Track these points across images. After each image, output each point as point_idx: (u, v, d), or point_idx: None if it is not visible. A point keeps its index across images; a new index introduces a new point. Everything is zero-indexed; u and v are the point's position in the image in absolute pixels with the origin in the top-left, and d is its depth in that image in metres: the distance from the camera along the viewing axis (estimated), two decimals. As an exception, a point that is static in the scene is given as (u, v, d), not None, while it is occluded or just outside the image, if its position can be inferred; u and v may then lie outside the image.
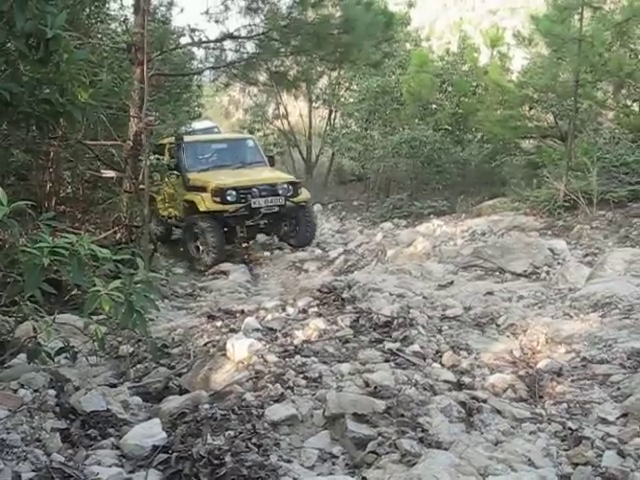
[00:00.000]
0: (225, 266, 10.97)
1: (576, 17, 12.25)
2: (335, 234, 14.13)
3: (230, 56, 12.70)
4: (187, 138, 12.54)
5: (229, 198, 11.13)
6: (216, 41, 12.19)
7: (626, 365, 4.39)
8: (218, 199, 11.12)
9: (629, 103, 14.72)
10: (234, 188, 11.23)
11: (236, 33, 11.90)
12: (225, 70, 13.16)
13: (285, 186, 11.76)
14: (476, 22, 28.71)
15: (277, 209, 11.52)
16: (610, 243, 9.53)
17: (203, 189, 11.41)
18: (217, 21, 12.21)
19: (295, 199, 11.79)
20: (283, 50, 12.51)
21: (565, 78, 13.63)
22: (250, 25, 12.01)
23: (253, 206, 11.26)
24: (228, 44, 12.37)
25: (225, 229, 11.32)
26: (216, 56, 12.82)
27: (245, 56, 12.54)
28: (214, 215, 11.15)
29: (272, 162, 13.59)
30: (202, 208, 11.16)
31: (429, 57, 18.90)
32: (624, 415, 3.78)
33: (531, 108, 15.55)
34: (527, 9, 19.01)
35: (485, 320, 5.74)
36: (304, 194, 12.23)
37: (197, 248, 11.18)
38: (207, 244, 10.97)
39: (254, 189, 11.38)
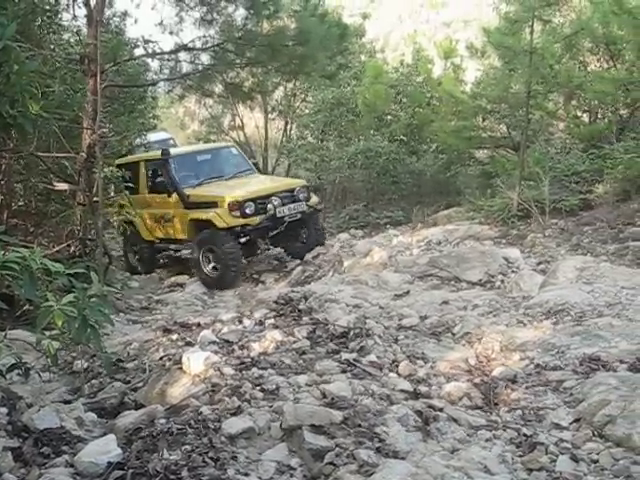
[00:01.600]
0: (181, 278, 10.90)
1: (527, 30, 12.46)
2: (292, 245, 14.07)
3: (185, 67, 12.67)
4: (173, 152, 11.67)
5: (247, 211, 10.29)
6: (171, 52, 12.13)
7: (578, 371, 4.48)
8: (238, 213, 10.25)
9: (579, 114, 15.00)
10: (252, 199, 10.42)
11: (191, 44, 11.86)
12: (180, 81, 13.10)
13: (303, 191, 11.14)
14: (430, 34, 29.19)
15: (299, 216, 10.83)
16: (562, 251, 9.67)
17: (213, 204, 10.48)
18: (171, 32, 12.15)
19: (310, 203, 11.20)
20: (238, 61, 12.51)
21: (517, 89, 13.83)
22: (205, 36, 11.98)
23: (278, 215, 10.51)
24: (183, 55, 12.31)
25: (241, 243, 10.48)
26: (171, 67, 12.75)
27: (200, 67, 12.51)
28: (232, 230, 10.28)
29: (258, 169, 12.87)
30: (221, 225, 10.20)
31: (384, 68, 19.05)
32: (577, 420, 3.85)
33: (484, 119, 15.75)
34: (480, 22, 19.32)
35: (441, 329, 5.80)
36: (314, 198, 11.65)
37: (213, 267, 10.33)
38: (225, 261, 10.13)
39: (274, 197, 10.60)
